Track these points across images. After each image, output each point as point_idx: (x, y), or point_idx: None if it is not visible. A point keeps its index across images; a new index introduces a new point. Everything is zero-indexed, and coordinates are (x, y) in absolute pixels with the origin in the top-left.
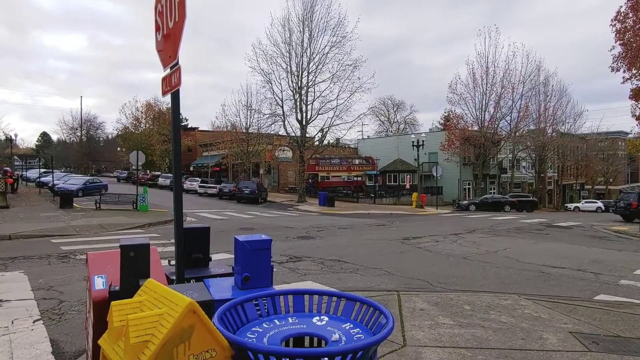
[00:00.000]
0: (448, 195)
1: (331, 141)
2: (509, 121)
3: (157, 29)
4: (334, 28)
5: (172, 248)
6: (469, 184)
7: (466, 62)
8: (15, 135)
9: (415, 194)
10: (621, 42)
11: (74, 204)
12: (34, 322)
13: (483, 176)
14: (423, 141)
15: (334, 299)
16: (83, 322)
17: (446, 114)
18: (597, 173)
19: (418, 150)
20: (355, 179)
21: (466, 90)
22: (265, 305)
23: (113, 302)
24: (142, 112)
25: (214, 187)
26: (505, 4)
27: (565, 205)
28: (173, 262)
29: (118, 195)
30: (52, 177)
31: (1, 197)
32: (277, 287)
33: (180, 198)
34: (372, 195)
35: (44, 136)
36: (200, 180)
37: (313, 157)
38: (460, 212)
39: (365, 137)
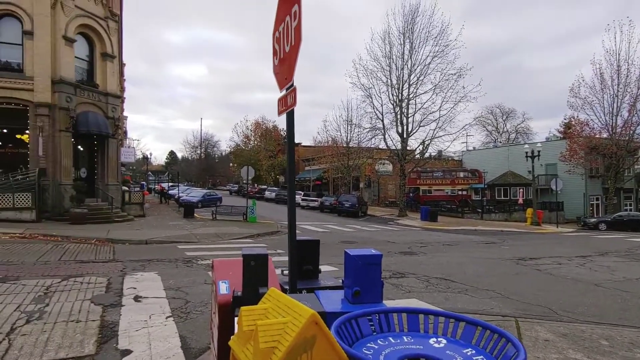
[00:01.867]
0: (570, 211)
1: (433, 154)
2: None
3: (275, 53)
4: (436, 37)
5: (280, 258)
6: (597, 199)
7: (591, 62)
8: (150, 154)
9: (530, 210)
10: None
11: (194, 214)
12: (166, 318)
13: (616, 190)
14: (539, 151)
15: (452, 321)
16: (207, 322)
17: (567, 121)
18: None
19: (533, 162)
20: (460, 192)
21: (592, 93)
22: (378, 321)
23: (242, 308)
24: (251, 130)
25: (315, 200)
26: None
27: None
28: (286, 272)
29: (231, 207)
30: (178, 190)
31: (139, 207)
32: (386, 303)
33: (293, 212)
34: (479, 210)
35: (171, 154)
36: (302, 193)
37: (414, 170)
38: (587, 232)
39: (471, 148)
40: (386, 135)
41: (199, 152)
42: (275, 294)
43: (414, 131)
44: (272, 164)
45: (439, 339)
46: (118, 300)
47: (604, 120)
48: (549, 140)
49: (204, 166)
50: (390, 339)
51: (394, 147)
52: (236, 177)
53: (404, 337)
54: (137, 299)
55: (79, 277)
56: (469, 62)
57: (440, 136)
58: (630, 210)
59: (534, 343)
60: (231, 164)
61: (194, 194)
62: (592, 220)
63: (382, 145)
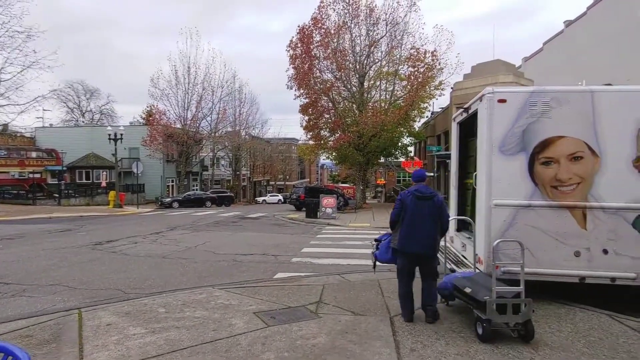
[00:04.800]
0: (151, 193)
1: None
2: (209, 121)
3: None
4: None
5: None
6: (172, 181)
7: (168, 58)
8: None
9: (112, 193)
10: (293, 65)
11: None
12: None
13: (186, 173)
14: (122, 135)
15: None
16: None
17: (149, 109)
18: (279, 171)
19: (116, 145)
20: (31, 175)
21: (169, 86)
22: None
23: None
24: None
25: None
26: (211, 11)
27: (256, 199)
28: None
29: None
30: None
31: None
32: None
33: None
34: (57, 195)
35: None
36: None
37: None
38: (164, 210)
39: (47, 125)
40: None
41: None
42: None
43: None
44: None
45: None
46: None
47: (178, 112)
48: (133, 125)
49: None
50: None
51: None
52: None
53: None
54: None
55: None
56: (42, 24)
57: (3, 105)
58: (196, 190)
59: (96, 331)
60: None
61: None
62: (168, 199)
63: None
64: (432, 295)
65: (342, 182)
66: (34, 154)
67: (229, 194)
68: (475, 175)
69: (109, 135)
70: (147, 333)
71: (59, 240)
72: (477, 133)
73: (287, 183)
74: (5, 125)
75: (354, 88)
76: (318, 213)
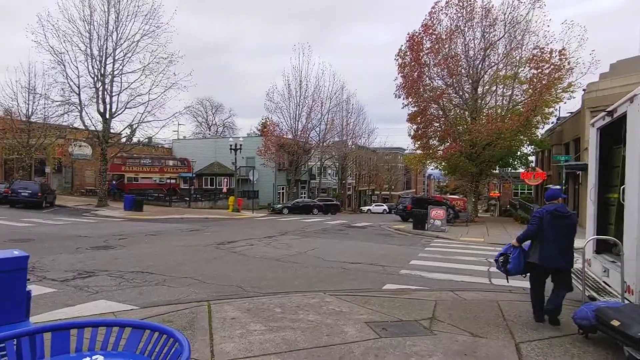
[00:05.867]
0: (264, 199)
1: (142, 139)
2: (318, 132)
3: None
4: (146, 15)
5: None
6: (282, 189)
7: (282, 74)
8: None
9: (232, 198)
10: (402, 74)
11: None
12: None
13: (295, 181)
14: (241, 145)
15: (115, 329)
16: None
17: (264, 121)
18: (384, 181)
19: (236, 154)
20: (168, 181)
21: (282, 99)
22: (16, 349)
23: None
24: None
25: None
26: (322, 28)
27: (361, 208)
28: None
29: None
30: None
31: None
32: (54, 314)
33: None
34: (187, 198)
35: None
36: None
37: (119, 155)
38: (275, 216)
39: (182, 137)
40: (83, 113)
41: None
42: None
43: (119, 112)
44: None
45: (95, 357)
46: None
47: (290, 123)
48: (250, 136)
49: None
50: None
51: (93, 128)
52: None
53: None
54: None
55: None
56: (182, 50)
57: (150, 121)
58: (304, 197)
59: (223, 323)
60: None
61: None
62: (279, 206)
63: (79, 124)
64: (558, 305)
65: (451, 194)
66: (171, 163)
67: (335, 202)
68: (623, 188)
69: (230, 145)
70: (266, 330)
71: (189, 239)
72: (627, 140)
73: (392, 193)
74: (150, 138)
75: (466, 94)
76: (426, 225)
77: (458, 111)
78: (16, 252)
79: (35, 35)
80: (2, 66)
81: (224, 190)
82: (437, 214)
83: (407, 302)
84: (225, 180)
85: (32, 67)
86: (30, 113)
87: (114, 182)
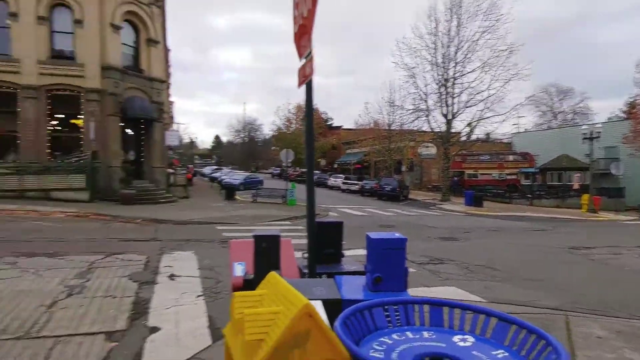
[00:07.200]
0: (633, 198)
1: (480, 136)
2: None
3: (295, 20)
4: (485, 12)
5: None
6: None
7: None
8: (196, 138)
9: (585, 196)
10: None
11: (235, 196)
12: (197, 297)
13: None
14: (598, 133)
15: (482, 316)
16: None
17: (632, 100)
18: None
19: (592, 144)
20: (508, 177)
21: None
22: (396, 313)
23: (236, 293)
24: (293, 114)
25: (356, 184)
26: None
27: None
28: (307, 255)
29: (271, 189)
30: (220, 173)
31: (183, 189)
32: (415, 291)
33: (312, 191)
34: (529, 195)
35: (216, 138)
36: (343, 177)
37: (459, 153)
38: None
39: (522, 130)
40: (430, 117)
41: (242, 135)
42: (273, 279)
43: (460, 112)
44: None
45: (466, 337)
46: (153, 278)
47: None
48: (611, 120)
49: (247, 150)
50: (408, 333)
51: (438, 130)
52: (278, 160)
53: (424, 333)
54: (171, 277)
55: (120, 255)
56: (523, 38)
57: (488, 117)
58: None
59: (585, 340)
60: (273, 148)
61: (236, 176)
62: None
63: (426, 128)
64: None
65: None
66: (510, 158)
67: None
68: None
69: (583, 134)
70: None
71: (534, 238)
72: None
73: None
74: (488, 134)
75: None
76: None
77: None
78: (397, 235)
79: (393, 57)
80: (375, 87)
81: (575, 186)
82: None
83: None
84: (577, 175)
85: (391, 84)
86: (390, 122)
87: (455, 179)
